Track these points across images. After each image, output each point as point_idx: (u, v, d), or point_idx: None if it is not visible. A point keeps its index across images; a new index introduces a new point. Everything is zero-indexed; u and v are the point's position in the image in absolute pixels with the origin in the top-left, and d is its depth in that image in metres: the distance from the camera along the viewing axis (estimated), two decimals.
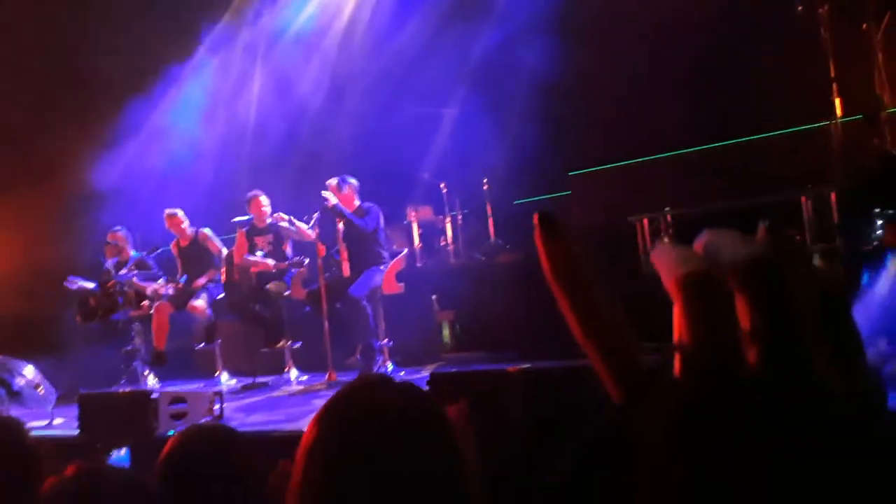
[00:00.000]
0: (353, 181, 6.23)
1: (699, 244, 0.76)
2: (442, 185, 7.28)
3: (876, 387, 0.76)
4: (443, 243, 7.32)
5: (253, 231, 6.65)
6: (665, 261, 0.74)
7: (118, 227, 7.30)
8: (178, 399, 4.45)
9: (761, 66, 6.08)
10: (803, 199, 5.08)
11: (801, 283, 0.74)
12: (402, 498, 1.03)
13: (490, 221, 7.18)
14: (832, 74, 5.02)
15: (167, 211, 6.98)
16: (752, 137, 6.16)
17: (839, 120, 4.97)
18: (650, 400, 0.68)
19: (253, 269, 6.54)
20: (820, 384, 0.68)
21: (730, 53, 6.21)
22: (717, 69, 6.34)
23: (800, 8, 5.06)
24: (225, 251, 6.89)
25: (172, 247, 7.08)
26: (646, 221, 5.58)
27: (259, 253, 6.57)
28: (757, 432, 0.66)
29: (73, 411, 4.66)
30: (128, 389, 5.27)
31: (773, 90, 6.02)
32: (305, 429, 1.13)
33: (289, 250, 6.55)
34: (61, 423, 5.20)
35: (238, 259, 6.64)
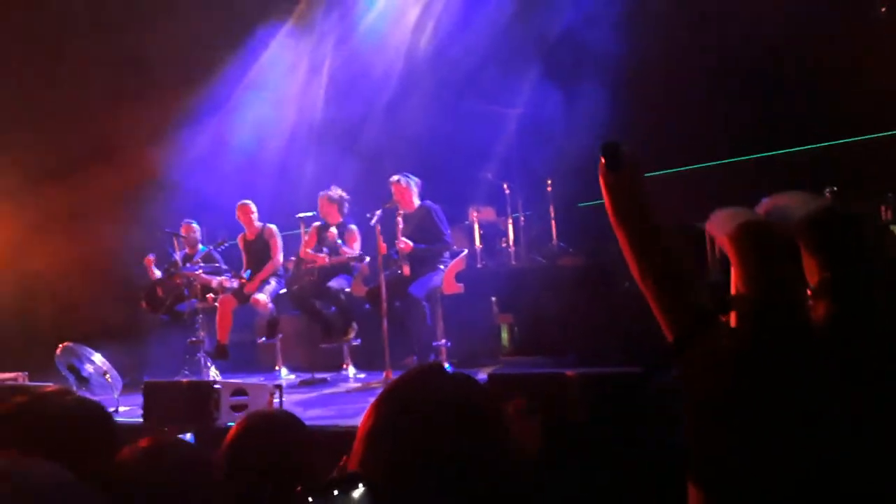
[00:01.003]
0: (416, 179, 6.24)
1: (762, 207, 0.70)
2: (505, 186, 7.23)
3: None
4: (504, 245, 7.27)
5: (323, 228, 6.72)
6: (718, 220, 0.68)
7: (190, 220, 7.48)
8: (239, 391, 4.51)
9: (839, 69, 5.85)
10: (882, 207, 4.86)
11: (875, 245, 0.67)
12: (456, 482, 1.03)
13: (553, 224, 7.09)
14: None
15: (241, 202, 7.11)
16: (826, 144, 5.94)
17: None
18: (705, 341, 0.62)
19: (308, 265, 6.60)
20: (891, 341, 0.61)
21: (806, 56, 6.00)
22: (791, 73, 6.13)
23: (883, 10, 4.86)
24: (281, 255, 6.96)
25: (239, 240, 7.20)
26: None
27: (325, 249, 6.64)
28: (815, 390, 0.60)
29: (138, 399, 4.78)
30: (191, 379, 5.37)
31: (851, 95, 5.79)
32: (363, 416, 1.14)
33: (357, 249, 6.58)
34: (126, 411, 5.34)
35: (304, 254, 6.72)
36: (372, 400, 1.16)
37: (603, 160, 0.70)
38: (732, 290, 0.65)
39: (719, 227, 0.66)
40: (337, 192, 6.67)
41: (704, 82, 6.43)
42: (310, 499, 0.94)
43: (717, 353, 0.61)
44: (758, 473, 0.60)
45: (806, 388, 0.59)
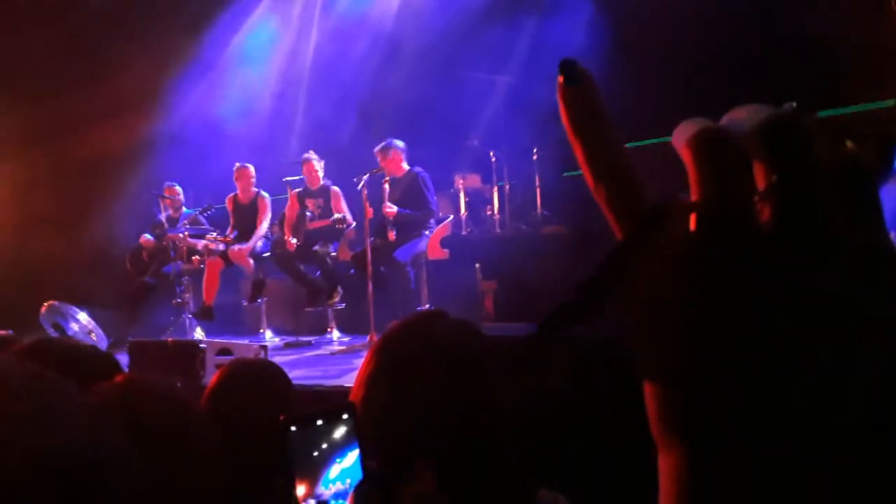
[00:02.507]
0: (400, 143, 6.25)
1: (722, 120, 0.76)
2: (491, 154, 7.26)
3: (892, 244, 0.74)
4: (489, 212, 7.31)
5: (305, 193, 6.72)
6: (678, 131, 0.73)
7: (173, 183, 7.46)
8: (224, 350, 4.57)
9: (836, 37, 5.87)
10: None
11: (825, 152, 0.72)
12: (439, 430, 1.05)
13: (538, 192, 7.14)
14: None
15: (239, 164, 7.03)
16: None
17: None
18: (652, 241, 0.68)
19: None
20: (833, 239, 0.66)
21: (799, 22, 6.01)
22: (784, 39, 6.15)
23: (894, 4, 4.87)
24: (267, 223, 6.95)
25: (228, 201, 7.16)
26: None
27: (308, 214, 6.65)
28: (757, 287, 0.65)
29: (124, 359, 4.82)
30: (176, 339, 5.41)
31: (847, 64, 5.80)
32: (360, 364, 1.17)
33: (345, 212, 6.59)
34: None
35: (290, 217, 6.73)
36: (356, 362, 1.19)
37: (561, 77, 0.74)
38: (692, 196, 0.70)
39: (679, 135, 0.71)
40: (313, 155, 6.68)
41: (701, 52, 6.45)
42: (293, 428, 0.95)
43: (664, 252, 0.66)
44: (704, 370, 0.65)
45: (748, 286, 0.64)
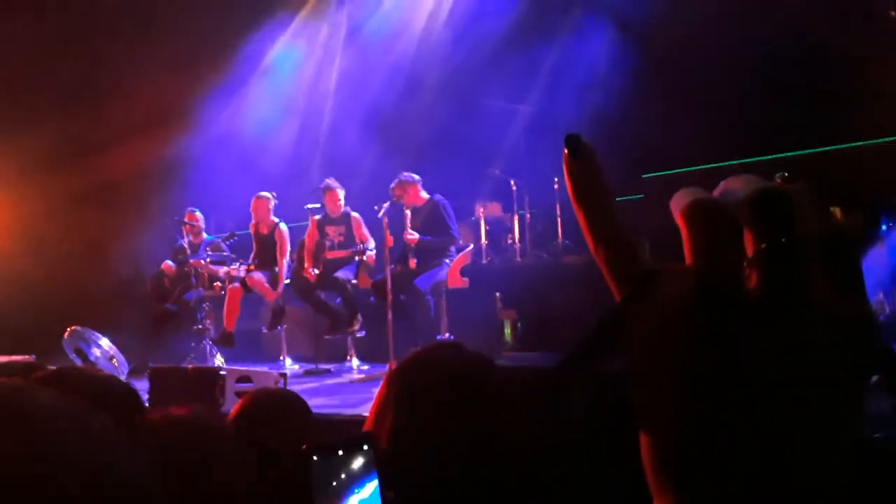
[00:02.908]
0: (415, 176, 6.29)
1: (717, 189, 0.80)
2: (512, 183, 7.26)
3: (871, 311, 0.78)
4: (510, 241, 7.30)
5: (325, 220, 6.75)
6: (676, 198, 0.78)
7: (194, 209, 7.51)
8: (244, 378, 4.56)
9: (845, 75, 5.87)
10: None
11: (812, 223, 0.76)
12: (449, 456, 1.07)
13: (559, 221, 7.12)
14: None
15: (260, 194, 7.01)
16: (828, 148, 5.96)
17: None
18: (647, 301, 0.74)
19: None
20: (816, 307, 0.71)
21: (813, 59, 6.02)
22: (799, 76, 6.15)
23: (893, 13, 4.87)
24: (287, 258, 6.95)
25: (251, 227, 7.16)
26: None
27: (328, 243, 6.67)
28: (745, 346, 0.71)
29: (144, 385, 4.83)
30: (196, 365, 5.42)
31: (856, 100, 5.80)
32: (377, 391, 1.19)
33: (368, 239, 6.57)
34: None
35: (309, 245, 6.75)
36: (375, 391, 1.20)
37: (566, 150, 0.81)
38: (687, 260, 0.75)
39: (675, 204, 0.77)
40: (334, 182, 6.70)
41: (715, 81, 6.45)
42: (314, 457, 0.97)
43: (659, 311, 0.72)
44: (696, 422, 0.69)
45: (737, 344, 0.69)
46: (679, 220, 0.75)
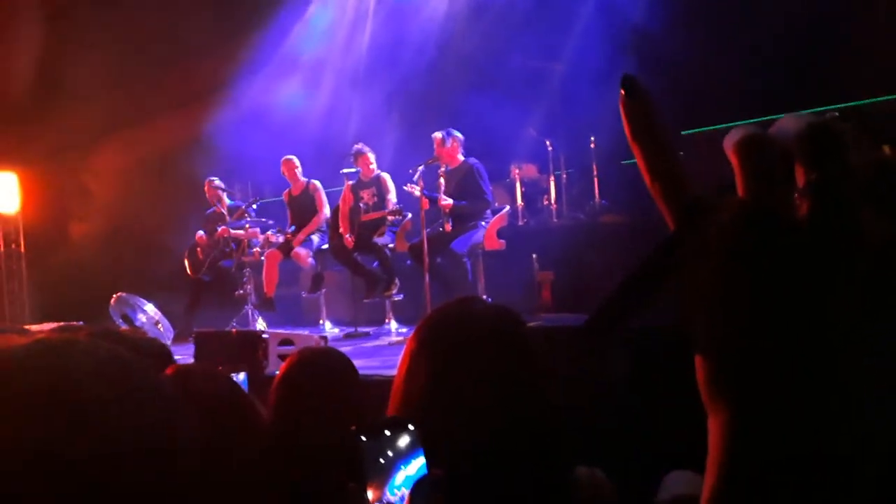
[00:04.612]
0: (458, 135, 6.24)
1: (772, 129, 0.84)
2: (547, 143, 7.19)
3: None
4: (546, 202, 7.26)
5: (358, 185, 6.78)
6: (729, 137, 0.82)
7: (213, 178, 7.53)
8: (286, 340, 4.65)
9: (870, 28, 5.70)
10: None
11: (862, 155, 0.79)
12: (491, 400, 1.10)
13: (595, 181, 7.05)
14: None
15: (285, 157, 7.14)
16: (865, 101, 5.81)
17: None
18: (700, 232, 0.76)
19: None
20: (862, 232, 0.74)
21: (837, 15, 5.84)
22: (831, 31, 5.97)
23: None
24: (328, 209, 7.02)
25: (284, 196, 7.26)
26: None
27: (362, 206, 6.71)
28: (795, 277, 0.72)
29: (189, 349, 4.95)
30: (240, 329, 5.53)
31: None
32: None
33: (393, 199, 6.62)
34: (178, 359, 5.53)
35: (344, 210, 6.80)
36: None
37: (623, 91, 0.85)
38: (739, 192, 0.79)
39: (729, 139, 0.81)
40: (365, 147, 6.72)
41: (756, 33, 6.29)
42: (363, 437, 1.00)
43: (710, 242, 0.75)
44: (747, 341, 0.72)
45: (784, 270, 0.72)
46: (731, 156, 0.79)
